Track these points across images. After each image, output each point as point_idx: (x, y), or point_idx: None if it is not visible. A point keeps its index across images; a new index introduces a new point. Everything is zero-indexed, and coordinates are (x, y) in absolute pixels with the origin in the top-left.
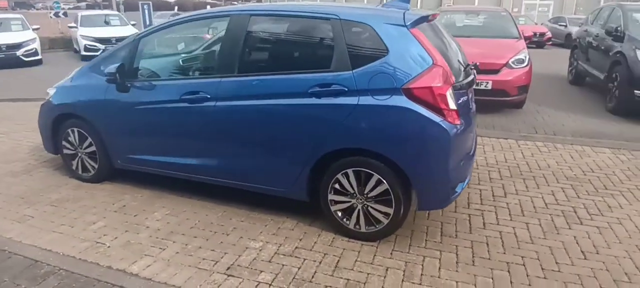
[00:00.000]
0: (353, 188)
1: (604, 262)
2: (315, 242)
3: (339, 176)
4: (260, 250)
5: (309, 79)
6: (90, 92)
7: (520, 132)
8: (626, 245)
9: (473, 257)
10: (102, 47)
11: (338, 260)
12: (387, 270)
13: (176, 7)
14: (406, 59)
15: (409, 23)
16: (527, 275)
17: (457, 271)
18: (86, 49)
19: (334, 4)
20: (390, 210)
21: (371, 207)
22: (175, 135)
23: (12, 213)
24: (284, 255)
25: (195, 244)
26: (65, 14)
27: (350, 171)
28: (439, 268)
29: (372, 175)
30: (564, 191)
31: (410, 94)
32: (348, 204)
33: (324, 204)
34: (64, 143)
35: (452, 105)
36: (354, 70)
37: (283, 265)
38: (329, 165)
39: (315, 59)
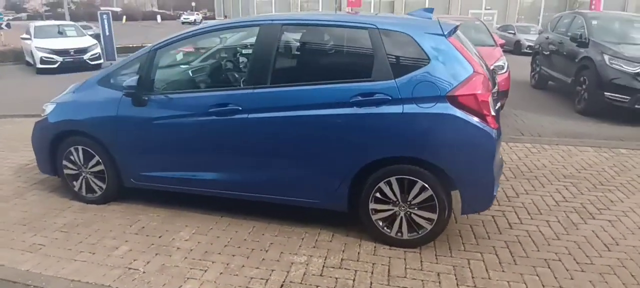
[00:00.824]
0: (396, 196)
1: (625, 252)
2: (358, 253)
3: (381, 184)
4: (306, 264)
5: (351, 88)
6: (99, 107)
7: (508, 135)
8: (639, 236)
9: (512, 256)
10: (59, 59)
11: (388, 269)
12: (438, 275)
13: (124, 17)
14: (448, 67)
15: (446, 32)
16: (567, 269)
17: (503, 271)
18: (42, 61)
19: (366, 14)
20: (434, 216)
21: (414, 214)
22: (201, 150)
23: (18, 242)
24: (333, 268)
25: (237, 263)
26: (8, 26)
27: (393, 179)
28: (487, 270)
29: (416, 182)
30: (567, 189)
31: (454, 101)
32: (390, 212)
33: (363, 213)
34: (64, 162)
35: (493, 110)
36: (396, 79)
37: (336, 278)
38: (371, 174)
39: (354, 69)
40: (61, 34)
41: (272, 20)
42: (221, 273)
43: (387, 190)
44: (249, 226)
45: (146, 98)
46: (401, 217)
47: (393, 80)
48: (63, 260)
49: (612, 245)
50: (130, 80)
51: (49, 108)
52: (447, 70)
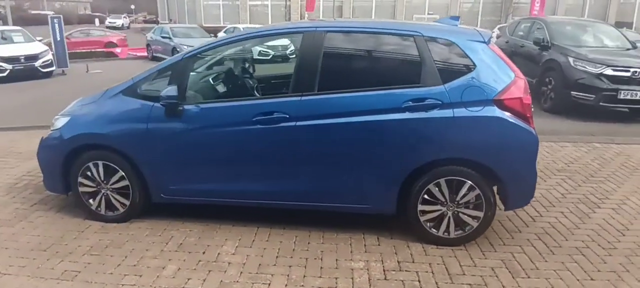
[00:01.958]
0: (444, 197)
1: (638, 236)
2: (411, 254)
3: (431, 186)
4: (367, 269)
5: (402, 94)
6: (126, 119)
7: None
8: None
9: (547, 247)
10: (9, 67)
11: (446, 268)
12: (492, 269)
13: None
14: (492, 72)
15: (487, 39)
16: (597, 255)
17: (546, 261)
18: None
19: (408, 22)
20: (481, 214)
21: (462, 213)
22: (245, 160)
23: (46, 270)
24: (394, 271)
25: (297, 274)
26: None
27: (442, 180)
28: (531, 261)
29: (465, 182)
30: (565, 182)
31: (501, 104)
32: (438, 212)
33: (412, 215)
34: (80, 179)
35: (531, 113)
36: (445, 85)
37: (402, 280)
38: (420, 177)
39: (402, 75)
40: (5, 39)
41: (315, 27)
42: (286, 285)
43: (435, 191)
44: (291, 236)
45: (181, 108)
46: (449, 217)
47: (442, 86)
48: (109, 285)
49: (624, 230)
50: (169, 89)
51: (61, 121)
52: (492, 75)
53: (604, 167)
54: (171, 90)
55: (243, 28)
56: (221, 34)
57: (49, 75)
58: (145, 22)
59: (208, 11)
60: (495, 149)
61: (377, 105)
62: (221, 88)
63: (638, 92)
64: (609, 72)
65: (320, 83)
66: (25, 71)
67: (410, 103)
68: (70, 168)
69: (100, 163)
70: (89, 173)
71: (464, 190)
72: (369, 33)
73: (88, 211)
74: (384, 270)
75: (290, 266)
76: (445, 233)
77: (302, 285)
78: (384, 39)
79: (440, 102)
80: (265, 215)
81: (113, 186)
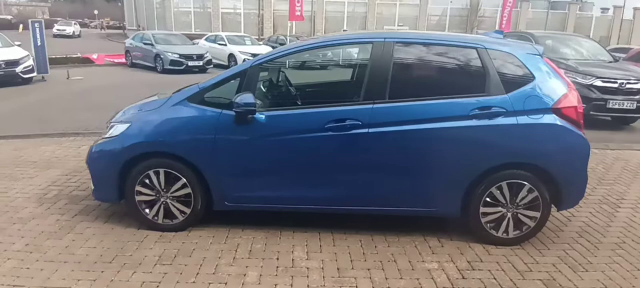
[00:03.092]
0: (505, 199)
1: None
2: (476, 254)
3: (493, 189)
4: (442, 270)
5: (470, 102)
6: (192, 126)
7: None
8: None
9: (591, 244)
10: None
11: (513, 266)
12: (554, 265)
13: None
14: (549, 83)
15: (541, 52)
16: (635, 249)
17: (596, 256)
18: None
19: (468, 34)
20: (538, 214)
21: (520, 214)
22: (315, 166)
23: (121, 283)
24: (468, 270)
25: (378, 277)
26: None
27: (504, 183)
28: (584, 257)
29: (524, 184)
30: None
31: (559, 112)
32: (499, 214)
33: (474, 217)
34: (138, 188)
35: (583, 120)
36: (508, 94)
37: (479, 279)
38: (484, 180)
39: (467, 84)
40: None
41: (384, 38)
42: (373, 287)
43: (497, 194)
44: (355, 240)
45: (251, 115)
46: (508, 218)
47: (506, 95)
48: None
49: None
50: (245, 97)
51: (120, 128)
52: (549, 85)
53: (609, 171)
54: (248, 98)
55: (226, 36)
56: (202, 41)
57: (28, 81)
58: (109, 27)
59: (178, 18)
60: (554, 154)
61: (446, 113)
62: (292, 95)
63: (625, 102)
64: (598, 83)
65: (391, 91)
66: (5, 77)
67: (477, 111)
68: (127, 177)
69: (161, 171)
70: (147, 181)
71: (523, 192)
72: (434, 44)
73: (141, 220)
74: (458, 270)
75: (368, 269)
76: (504, 234)
77: (389, 287)
78: (449, 50)
79: (504, 110)
80: (320, 221)
81: (174, 194)
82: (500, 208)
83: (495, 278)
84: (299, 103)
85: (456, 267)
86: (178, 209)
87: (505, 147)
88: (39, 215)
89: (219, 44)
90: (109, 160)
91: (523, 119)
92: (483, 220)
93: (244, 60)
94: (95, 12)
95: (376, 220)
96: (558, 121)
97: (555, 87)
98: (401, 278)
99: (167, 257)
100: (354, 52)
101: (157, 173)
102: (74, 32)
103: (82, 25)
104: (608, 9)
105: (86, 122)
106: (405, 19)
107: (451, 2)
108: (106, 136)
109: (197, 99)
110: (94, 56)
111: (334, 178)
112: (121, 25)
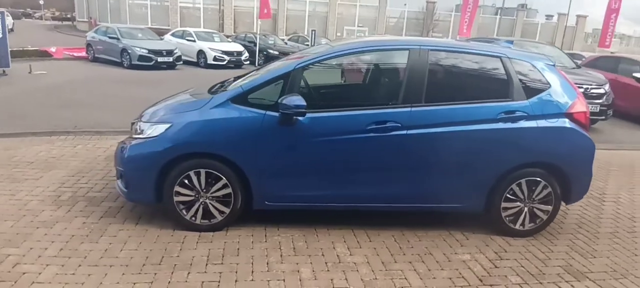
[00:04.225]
0: (524, 195)
1: None
2: (499, 246)
3: (514, 186)
4: (476, 260)
5: (497, 107)
6: (236, 127)
7: None
8: None
9: (591, 233)
10: None
11: (534, 255)
12: (567, 253)
13: None
14: (562, 90)
15: (554, 63)
16: (627, 236)
17: (598, 244)
18: None
19: (493, 45)
20: (550, 208)
21: (536, 208)
22: (354, 166)
23: (180, 284)
24: (497, 260)
25: (422, 268)
26: None
27: (523, 181)
28: (588, 245)
29: (540, 181)
30: None
31: (571, 117)
32: (517, 208)
33: (496, 212)
34: (177, 188)
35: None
36: (529, 100)
37: (510, 267)
38: (506, 178)
39: (493, 90)
40: None
41: (419, 45)
42: (421, 279)
43: (517, 190)
44: (388, 235)
45: (295, 117)
46: (525, 212)
47: (527, 101)
48: None
49: (633, 218)
50: (294, 99)
51: (160, 128)
52: (562, 92)
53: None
54: (298, 100)
55: (194, 32)
56: (168, 36)
57: None
58: (55, 19)
59: (134, 11)
60: (567, 153)
61: (476, 116)
62: (335, 97)
63: (590, 106)
64: None
65: (427, 95)
66: None
67: (503, 115)
68: (166, 177)
69: (202, 171)
70: (186, 181)
71: (539, 188)
72: (462, 52)
73: (177, 221)
74: (489, 260)
75: (410, 262)
76: (521, 227)
77: (434, 278)
78: (476, 58)
79: (526, 114)
80: (350, 218)
81: (214, 194)
82: (518, 203)
83: (523, 266)
84: (343, 105)
85: (486, 257)
86: (217, 209)
87: (526, 147)
88: (62, 218)
89: (188, 40)
90: (148, 161)
91: (542, 123)
92: (503, 214)
93: (215, 57)
94: (41, 2)
95: (400, 216)
96: (571, 124)
97: (567, 94)
98: (442, 269)
99: (215, 257)
100: (389, 57)
101: (197, 174)
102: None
103: (25, 15)
104: (552, 16)
105: (67, 121)
106: (365, 21)
107: (405, 4)
108: (143, 137)
109: (241, 99)
110: (53, 49)
111: (373, 177)
112: (70, 16)
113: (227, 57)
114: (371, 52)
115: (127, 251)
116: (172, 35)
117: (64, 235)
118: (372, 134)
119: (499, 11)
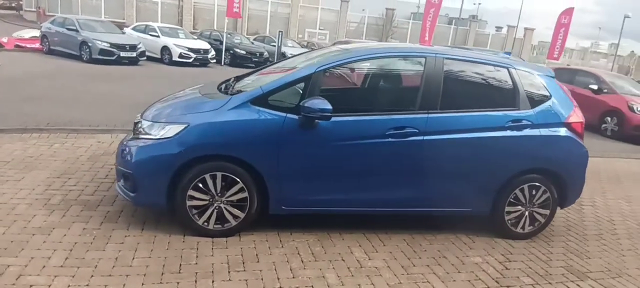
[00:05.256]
0: (525, 199)
1: (623, 224)
2: (504, 248)
3: (517, 191)
4: (487, 263)
5: (506, 115)
6: (255, 129)
7: None
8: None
9: (580, 235)
10: None
11: (536, 256)
12: (564, 254)
13: None
14: (561, 101)
15: (554, 75)
16: (612, 238)
17: (589, 246)
18: None
19: (499, 56)
20: (548, 212)
21: (536, 212)
22: (372, 171)
23: None
24: (507, 262)
25: (440, 271)
26: None
27: (526, 186)
28: (580, 246)
29: (540, 187)
30: None
31: (569, 126)
32: (519, 212)
33: (499, 216)
34: (191, 192)
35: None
36: (533, 109)
37: (520, 269)
38: (511, 183)
39: (502, 99)
40: None
41: (435, 53)
42: (442, 281)
43: (520, 195)
44: (399, 239)
45: (317, 120)
46: (526, 215)
47: (531, 110)
48: None
49: (612, 221)
50: (319, 102)
51: (173, 129)
52: (561, 103)
53: None
54: (323, 103)
55: (158, 27)
56: (129, 30)
57: None
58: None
59: (86, 2)
60: (565, 160)
61: (487, 124)
62: (354, 102)
63: None
64: None
65: (442, 102)
66: None
67: (511, 123)
68: (179, 180)
69: (218, 174)
70: (201, 185)
71: (539, 193)
72: (472, 62)
73: (187, 226)
74: (499, 262)
75: (427, 265)
76: (521, 229)
77: (454, 280)
78: (486, 68)
79: (530, 123)
80: (360, 222)
81: (229, 198)
82: (520, 207)
83: (530, 268)
84: (363, 110)
85: (496, 259)
86: (232, 214)
87: (529, 154)
88: (58, 223)
89: (151, 35)
90: (162, 163)
91: (544, 131)
92: (506, 217)
93: (181, 54)
94: None
95: (407, 220)
96: (569, 133)
97: (566, 105)
98: (459, 271)
99: (235, 264)
100: (406, 64)
101: (213, 177)
102: None
103: None
104: (502, 27)
105: (34, 116)
106: (326, 24)
107: (363, 10)
108: (155, 137)
109: (261, 101)
110: (4, 40)
111: (388, 181)
112: (15, 5)
113: (193, 55)
114: (390, 57)
115: (140, 259)
116: (134, 29)
117: (64, 242)
118: (390, 139)
119: (454, 21)
